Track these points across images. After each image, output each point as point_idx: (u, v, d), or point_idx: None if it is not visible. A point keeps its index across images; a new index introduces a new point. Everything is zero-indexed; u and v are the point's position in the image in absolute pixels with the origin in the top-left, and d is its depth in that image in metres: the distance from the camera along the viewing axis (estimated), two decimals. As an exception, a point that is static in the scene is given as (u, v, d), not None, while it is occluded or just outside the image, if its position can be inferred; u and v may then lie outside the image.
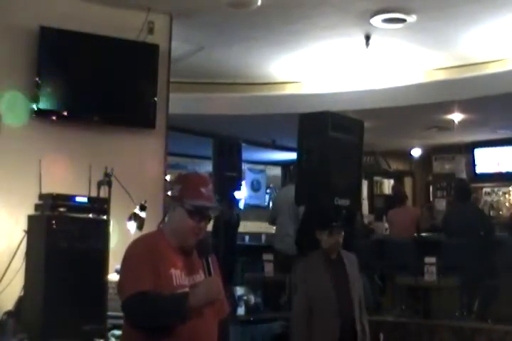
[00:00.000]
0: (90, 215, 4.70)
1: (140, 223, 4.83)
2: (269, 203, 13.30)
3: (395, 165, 12.64)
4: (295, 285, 4.48)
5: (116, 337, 4.41)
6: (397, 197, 8.91)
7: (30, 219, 4.70)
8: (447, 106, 8.37)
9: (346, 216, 4.99)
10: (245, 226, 8.94)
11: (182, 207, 2.62)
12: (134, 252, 2.61)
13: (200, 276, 2.62)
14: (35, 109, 5.29)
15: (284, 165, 12.82)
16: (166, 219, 2.79)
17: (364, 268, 7.37)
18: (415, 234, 8.11)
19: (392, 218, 8.58)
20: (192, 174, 2.89)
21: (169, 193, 2.77)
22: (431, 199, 12.02)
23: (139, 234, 4.77)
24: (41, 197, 4.72)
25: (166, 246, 2.63)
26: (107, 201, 4.63)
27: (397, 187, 10.60)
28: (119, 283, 2.62)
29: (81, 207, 4.69)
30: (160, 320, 2.44)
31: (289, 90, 8.73)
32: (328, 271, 4.24)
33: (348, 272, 4.29)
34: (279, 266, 7.06)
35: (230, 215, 7.51)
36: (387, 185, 12.33)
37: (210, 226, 6.01)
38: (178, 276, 2.59)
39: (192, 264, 2.66)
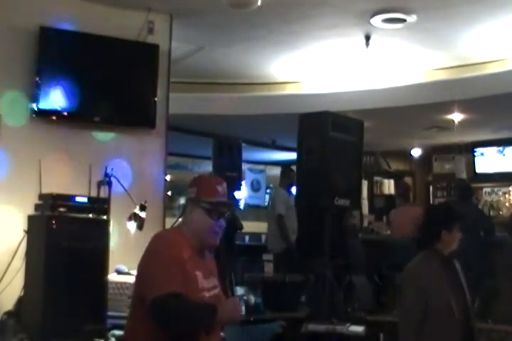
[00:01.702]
0: (90, 215, 4.70)
1: (140, 223, 4.83)
2: (268, 203, 13.31)
3: (395, 165, 12.62)
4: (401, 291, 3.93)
5: (117, 337, 4.41)
6: (402, 194, 8.88)
7: (30, 219, 4.70)
8: (447, 106, 8.35)
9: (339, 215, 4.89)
10: (245, 226, 8.95)
11: (200, 207, 2.66)
12: (165, 250, 2.57)
13: (215, 280, 2.64)
14: (35, 109, 5.29)
15: (284, 165, 12.80)
16: (180, 220, 2.79)
17: (364, 268, 7.45)
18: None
19: (393, 217, 8.56)
20: (205, 175, 2.96)
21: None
22: (431, 199, 12.00)
23: (139, 234, 4.80)
24: (41, 197, 4.72)
25: (189, 247, 2.63)
26: (107, 201, 4.63)
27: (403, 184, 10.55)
28: (148, 278, 2.55)
29: (81, 207, 4.68)
30: (188, 324, 2.42)
31: (289, 90, 8.73)
32: (447, 275, 3.84)
33: (460, 276, 3.92)
34: (275, 266, 7.07)
35: (230, 215, 7.52)
36: (387, 185, 12.30)
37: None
38: (201, 278, 2.60)
39: (207, 267, 2.67)
